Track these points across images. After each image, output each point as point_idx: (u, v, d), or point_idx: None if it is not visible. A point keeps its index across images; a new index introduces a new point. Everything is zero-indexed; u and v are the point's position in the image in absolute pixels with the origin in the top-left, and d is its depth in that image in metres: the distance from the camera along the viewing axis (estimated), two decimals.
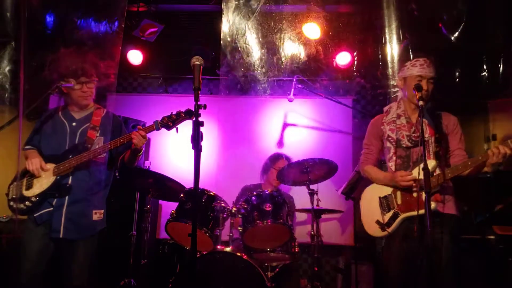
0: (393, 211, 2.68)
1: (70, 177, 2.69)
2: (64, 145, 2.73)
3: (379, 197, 2.78)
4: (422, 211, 2.40)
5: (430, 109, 2.72)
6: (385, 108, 2.92)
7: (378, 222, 2.71)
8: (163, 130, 2.72)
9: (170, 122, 2.67)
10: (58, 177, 2.66)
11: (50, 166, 2.67)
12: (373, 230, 2.75)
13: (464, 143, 2.72)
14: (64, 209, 2.63)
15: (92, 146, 2.72)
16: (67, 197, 2.65)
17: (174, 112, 2.69)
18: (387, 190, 2.76)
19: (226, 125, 5.32)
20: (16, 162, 2.84)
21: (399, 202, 2.67)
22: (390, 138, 2.76)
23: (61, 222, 2.61)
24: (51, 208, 2.63)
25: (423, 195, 2.46)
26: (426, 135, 2.61)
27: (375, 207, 2.78)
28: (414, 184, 2.56)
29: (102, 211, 2.80)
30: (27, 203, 2.63)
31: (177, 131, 2.69)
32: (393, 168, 2.73)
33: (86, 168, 2.72)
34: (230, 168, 5.13)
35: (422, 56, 2.69)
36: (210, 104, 2.26)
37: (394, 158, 2.72)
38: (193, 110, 2.63)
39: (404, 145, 2.71)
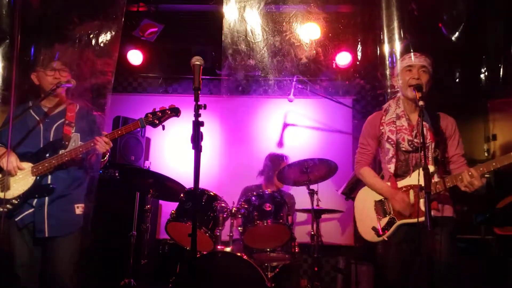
0: (389, 216, 2.62)
1: (49, 176, 2.61)
2: (39, 143, 2.65)
3: (375, 201, 2.71)
4: (421, 219, 2.36)
5: (429, 110, 2.62)
6: (384, 106, 2.82)
7: (374, 228, 2.65)
8: (162, 129, 2.65)
9: (156, 120, 2.60)
10: (37, 177, 2.58)
11: (26, 165, 2.58)
12: (369, 235, 2.68)
13: (462, 147, 2.66)
14: (46, 208, 2.56)
15: (69, 143, 2.65)
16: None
17: (158, 109, 2.61)
18: None
19: (226, 125, 5.32)
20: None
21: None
22: (390, 140, 2.67)
23: (45, 221, 2.54)
24: (32, 210, 2.56)
25: (421, 202, 2.46)
26: (427, 141, 2.54)
27: (370, 211, 2.71)
28: (408, 212, 2.52)
29: (83, 205, 2.72)
30: (8, 205, 2.53)
31: (163, 129, 2.62)
32: (391, 170, 2.65)
33: (64, 167, 2.64)
34: (230, 168, 5.13)
35: (415, 50, 2.64)
36: (210, 104, 2.25)
37: (393, 160, 2.64)
38: (178, 107, 2.63)
39: (403, 149, 2.63)
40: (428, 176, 2.23)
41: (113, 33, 2.90)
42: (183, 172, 4.21)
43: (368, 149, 2.83)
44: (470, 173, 2.37)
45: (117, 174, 4.30)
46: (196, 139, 1.99)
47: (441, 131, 2.63)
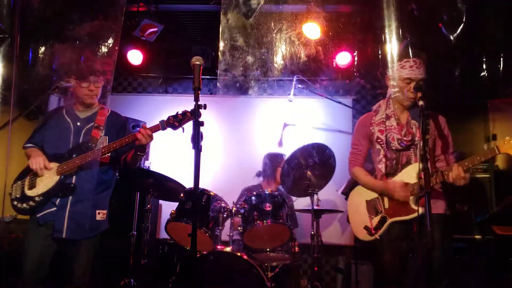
0: (380, 215, 2.65)
1: (74, 177, 2.66)
2: (68, 144, 2.71)
3: (366, 201, 2.75)
4: (411, 216, 2.44)
5: (419, 110, 2.62)
6: (374, 107, 2.85)
7: (366, 227, 2.69)
8: (182, 132, 2.64)
9: (176, 122, 2.60)
10: (62, 177, 2.63)
11: (54, 165, 2.65)
12: (362, 234, 2.73)
13: (452, 145, 2.67)
14: (68, 209, 2.61)
15: (96, 146, 2.69)
16: (70, 197, 2.62)
17: (180, 112, 2.61)
18: (374, 194, 2.74)
19: (226, 125, 5.32)
20: (20, 161, 2.81)
21: (386, 206, 2.65)
22: (379, 140, 2.71)
23: (64, 222, 2.58)
24: (54, 208, 2.60)
25: (411, 199, 2.49)
26: (416, 139, 2.58)
27: (362, 211, 2.75)
28: (410, 196, 2.53)
29: (105, 211, 2.78)
30: (30, 202, 2.60)
31: (183, 131, 2.61)
32: (382, 170, 2.68)
33: (90, 168, 2.69)
34: (230, 168, 5.13)
35: (413, 55, 2.61)
36: (210, 104, 2.25)
37: (384, 160, 2.68)
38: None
39: (394, 148, 2.66)
40: (427, 175, 2.22)
41: (113, 33, 2.90)
42: (183, 172, 4.21)
43: (360, 149, 2.88)
44: (457, 168, 2.37)
45: (117, 174, 4.29)
46: (196, 139, 1.99)
47: (430, 129, 2.62)
